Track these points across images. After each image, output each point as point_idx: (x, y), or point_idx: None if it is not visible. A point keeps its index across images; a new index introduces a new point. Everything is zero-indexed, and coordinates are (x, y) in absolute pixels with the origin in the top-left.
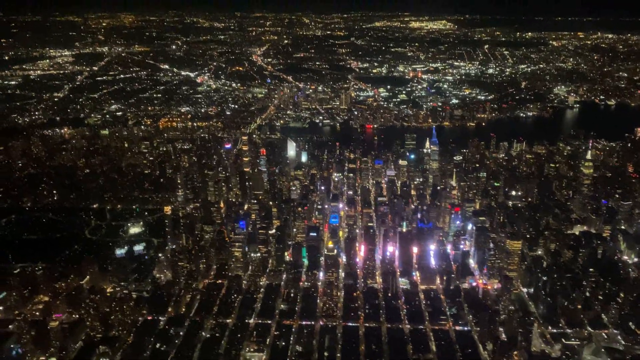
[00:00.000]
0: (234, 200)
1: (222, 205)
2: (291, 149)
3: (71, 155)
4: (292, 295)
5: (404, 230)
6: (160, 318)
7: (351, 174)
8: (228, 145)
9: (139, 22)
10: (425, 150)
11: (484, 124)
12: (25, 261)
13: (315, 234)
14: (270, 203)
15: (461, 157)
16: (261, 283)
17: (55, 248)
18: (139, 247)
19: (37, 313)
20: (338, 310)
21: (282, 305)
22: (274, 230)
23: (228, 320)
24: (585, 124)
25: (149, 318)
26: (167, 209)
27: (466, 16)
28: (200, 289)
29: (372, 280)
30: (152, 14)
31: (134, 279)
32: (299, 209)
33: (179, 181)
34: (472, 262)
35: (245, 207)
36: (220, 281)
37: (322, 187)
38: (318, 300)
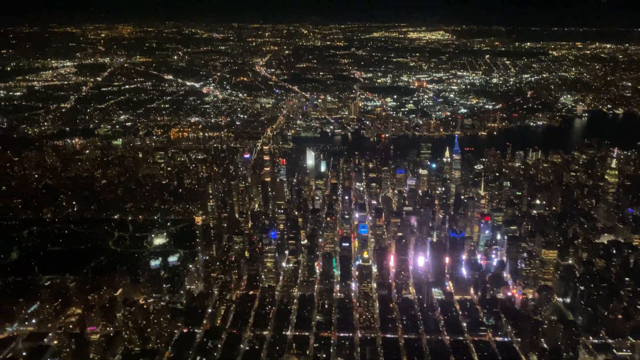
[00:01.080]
0: (257, 210)
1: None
2: (310, 159)
3: (86, 165)
4: (326, 306)
5: (434, 239)
6: (196, 331)
7: (373, 184)
8: (247, 155)
9: (138, 33)
10: (444, 160)
11: (495, 132)
12: (52, 273)
13: (347, 244)
14: (296, 213)
15: (482, 167)
16: (294, 294)
17: (81, 260)
18: (173, 259)
19: (71, 326)
20: (375, 321)
21: (317, 317)
22: (305, 241)
23: (265, 333)
24: (595, 133)
25: (185, 331)
26: (198, 220)
27: (463, 27)
28: (234, 301)
29: (406, 291)
30: (150, 25)
31: (168, 291)
32: (328, 218)
33: (210, 191)
34: (504, 272)
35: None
36: (252, 292)
37: (346, 197)
38: (354, 312)
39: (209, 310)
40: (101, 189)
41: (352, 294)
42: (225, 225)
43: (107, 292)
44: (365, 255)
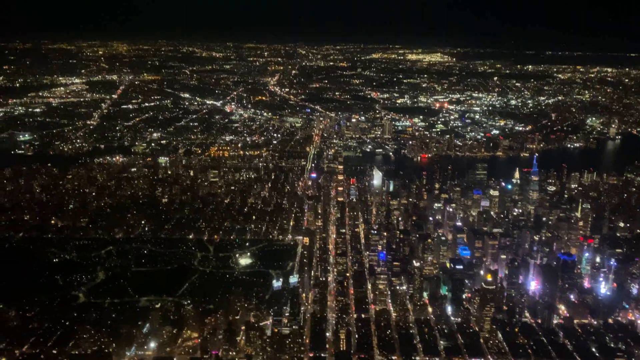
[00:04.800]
0: (343, 231)
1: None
2: (377, 178)
3: (140, 184)
4: (445, 330)
5: (539, 262)
6: (322, 355)
7: (453, 204)
8: (314, 175)
9: (135, 50)
10: (514, 180)
11: (536, 154)
12: (148, 294)
13: (461, 266)
14: (385, 234)
15: (555, 188)
16: (409, 317)
17: (172, 280)
18: (293, 279)
19: (190, 350)
20: (502, 346)
21: (442, 342)
22: (418, 263)
23: (394, 357)
24: (634, 155)
25: (311, 355)
26: (306, 240)
27: (458, 49)
28: (352, 324)
29: (523, 315)
30: (144, 43)
31: (289, 314)
32: (429, 240)
33: (319, 211)
34: (613, 295)
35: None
36: (364, 315)
37: (430, 218)
38: (480, 337)
39: (327, 334)
40: (166, 208)
41: (472, 318)
42: (322, 245)
43: (223, 315)
44: (489, 278)
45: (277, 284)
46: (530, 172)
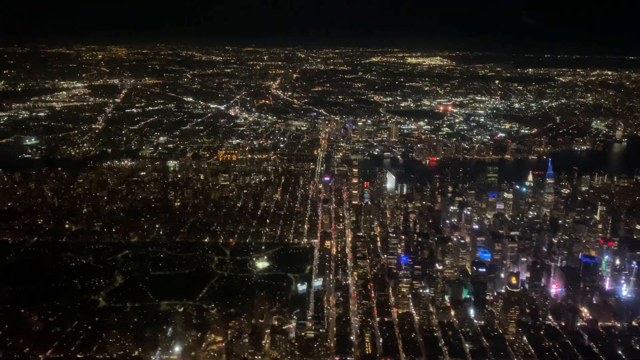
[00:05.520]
0: (360, 234)
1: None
2: (390, 182)
3: (152, 188)
4: (470, 333)
5: (559, 264)
6: (348, 359)
7: (470, 207)
8: (327, 178)
9: (134, 54)
10: (527, 183)
11: (545, 156)
12: (168, 298)
13: (484, 269)
14: (403, 237)
15: (568, 191)
16: (433, 321)
17: (192, 284)
18: (317, 283)
19: (215, 354)
20: (528, 349)
21: (467, 345)
22: (441, 267)
23: None
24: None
25: (337, 358)
26: (328, 244)
27: (457, 52)
28: (376, 327)
29: (546, 318)
30: (143, 47)
31: (312, 317)
32: (449, 243)
33: (343, 214)
34: (636, 297)
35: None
36: (387, 319)
37: (447, 221)
38: (505, 340)
39: (351, 338)
40: (180, 212)
41: (494, 321)
42: (339, 249)
43: (247, 319)
44: (514, 281)
45: (301, 287)
46: (544, 174)
